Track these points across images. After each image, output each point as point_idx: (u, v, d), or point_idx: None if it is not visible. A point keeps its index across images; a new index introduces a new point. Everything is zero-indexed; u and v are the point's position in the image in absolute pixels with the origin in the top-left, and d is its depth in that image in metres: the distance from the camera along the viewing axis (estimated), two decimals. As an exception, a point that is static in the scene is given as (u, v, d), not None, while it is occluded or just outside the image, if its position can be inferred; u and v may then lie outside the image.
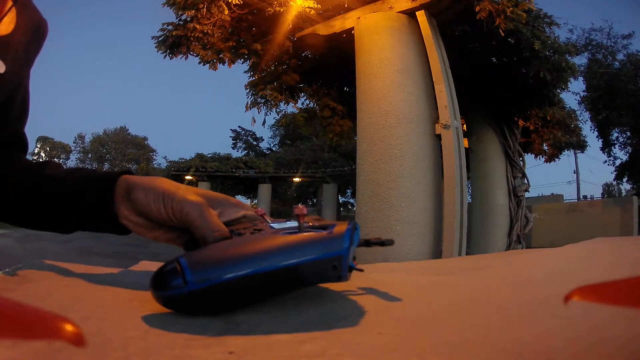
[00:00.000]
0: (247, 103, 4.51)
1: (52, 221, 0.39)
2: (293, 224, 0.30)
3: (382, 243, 0.37)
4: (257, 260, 0.24)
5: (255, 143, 25.11)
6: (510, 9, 2.93)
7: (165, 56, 3.83)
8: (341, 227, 0.27)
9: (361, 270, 0.32)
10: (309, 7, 3.38)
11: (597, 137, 11.29)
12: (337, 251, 0.26)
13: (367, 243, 0.37)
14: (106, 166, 25.89)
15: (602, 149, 11.57)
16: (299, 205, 0.31)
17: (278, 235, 0.27)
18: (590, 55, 10.82)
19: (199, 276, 0.23)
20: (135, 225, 0.36)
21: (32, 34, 0.42)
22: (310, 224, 0.30)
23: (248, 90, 4.54)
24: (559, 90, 4.60)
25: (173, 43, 3.69)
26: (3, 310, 0.09)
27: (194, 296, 0.23)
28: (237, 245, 0.26)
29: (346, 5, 3.48)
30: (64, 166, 0.42)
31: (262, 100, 4.50)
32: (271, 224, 0.32)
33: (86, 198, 0.36)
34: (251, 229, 0.33)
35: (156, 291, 0.24)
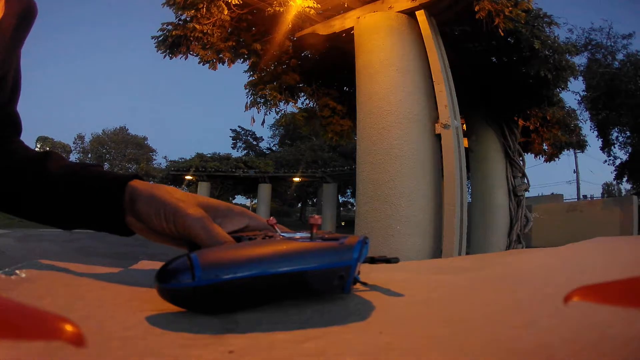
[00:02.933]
0: (247, 103, 4.52)
1: (55, 217, 0.39)
2: (303, 235, 0.30)
3: (387, 260, 0.38)
4: (265, 262, 0.25)
5: (255, 143, 25.14)
6: (510, 8, 2.94)
7: (165, 56, 3.83)
8: (352, 239, 0.28)
9: (364, 283, 0.32)
10: (308, 7, 3.38)
11: (597, 136, 11.30)
12: (346, 261, 0.26)
13: (372, 260, 0.37)
14: (106, 166, 25.87)
15: (602, 148, 11.58)
16: (315, 215, 0.31)
17: (289, 241, 0.27)
18: (590, 55, 10.83)
19: (208, 273, 0.23)
20: (140, 230, 0.37)
21: (21, 17, 0.42)
22: (326, 235, 0.30)
23: (248, 90, 4.54)
24: (558, 90, 4.60)
25: (173, 43, 3.69)
26: (3, 310, 0.09)
27: (199, 292, 0.23)
28: (248, 247, 0.26)
29: (346, 5, 3.48)
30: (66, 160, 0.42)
31: (262, 100, 4.50)
32: (282, 234, 0.32)
33: (95, 202, 0.36)
34: (263, 235, 0.33)
35: (161, 284, 0.24)
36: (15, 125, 0.45)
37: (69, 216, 0.38)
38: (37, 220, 0.40)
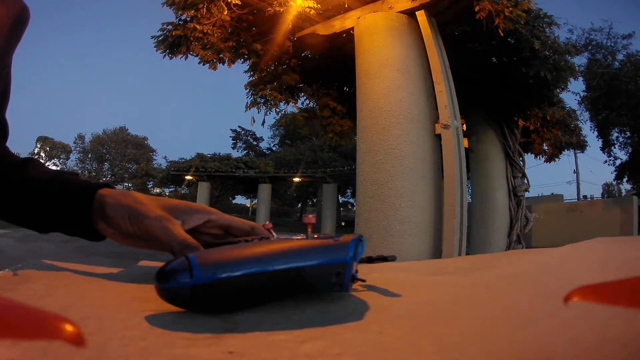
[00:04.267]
0: (247, 103, 4.52)
1: (31, 220, 0.41)
2: (299, 237, 0.31)
3: (385, 259, 0.38)
4: (262, 260, 0.25)
5: (255, 143, 25.15)
6: (510, 9, 2.94)
7: (164, 56, 3.83)
8: (347, 237, 0.28)
9: (363, 280, 0.33)
10: (308, 7, 3.37)
11: (597, 137, 11.30)
12: (341, 257, 0.26)
13: (370, 260, 0.37)
14: (106, 166, 25.90)
15: (602, 149, 11.58)
16: (309, 214, 0.31)
17: (285, 240, 0.27)
18: (590, 55, 10.82)
19: (206, 272, 0.24)
20: (111, 235, 0.38)
21: (13, 22, 0.42)
22: (316, 236, 0.30)
23: (248, 90, 4.54)
24: (558, 90, 4.60)
25: (173, 43, 3.69)
26: (3, 310, 0.09)
27: (197, 291, 0.23)
28: (246, 246, 0.27)
29: (346, 5, 3.48)
30: (52, 166, 0.42)
31: (262, 100, 4.50)
32: (277, 237, 0.33)
33: (66, 208, 0.38)
34: (259, 237, 0.34)
35: (160, 283, 0.24)
36: (2, 130, 0.46)
37: (43, 220, 0.40)
38: (14, 222, 0.42)
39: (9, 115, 0.46)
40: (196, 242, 0.33)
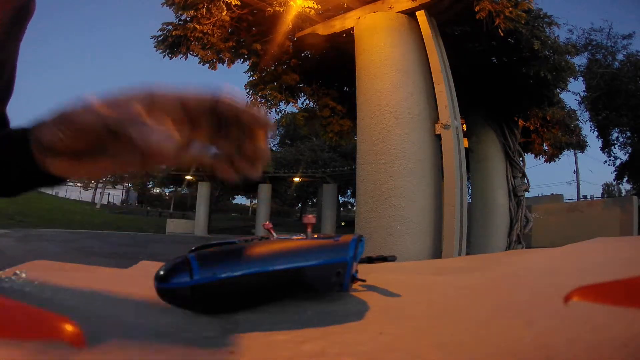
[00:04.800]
0: (247, 103, 4.51)
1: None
2: (299, 237, 0.30)
3: (385, 259, 0.38)
4: (262, 260, 0.25)
5: (255, 143, 25.10)
6: (510, 9, 2.94)
7: (164, 56, 3.83)
8: (347, 237, 0.28)
9: (363, 280, 0.33)
10: (308, 7, 3.38)
11: (597, 137, 11.29)
12: (342, 258, 0.26)
13: (370, 260, 0.37)
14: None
15: (602, 149, 11.57)
16: (308, 214, 0.31)
17: (285, 240, 0.27)
18: (590, 55, 10.81)
19: (205, 272, 0.23)
20: (68, 168, 0.31)
21: (16, 12, 0.40)
22: (316, 236, 0.30)
23: (248, 90, 4.54)
24: (558, 90, 4.60)
25: (173, 43, 3.69)
26: (3, 310, 0.09)
27: (197, 291, 0.23)
28: (245, 247, 0.27)
29: (346, 5, 3.48)
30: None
31: (262, 100, 4.50)
32: (277, 237, 0.33)
33: (9, 157, 0.33)
34: (259, 237, 0.34)
35: (160, 283, 0.24)
36: (3, 126, 0.45)
37: (5, 184, 0.35)
38: None
39: (11, 115, 0.45)
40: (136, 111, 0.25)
